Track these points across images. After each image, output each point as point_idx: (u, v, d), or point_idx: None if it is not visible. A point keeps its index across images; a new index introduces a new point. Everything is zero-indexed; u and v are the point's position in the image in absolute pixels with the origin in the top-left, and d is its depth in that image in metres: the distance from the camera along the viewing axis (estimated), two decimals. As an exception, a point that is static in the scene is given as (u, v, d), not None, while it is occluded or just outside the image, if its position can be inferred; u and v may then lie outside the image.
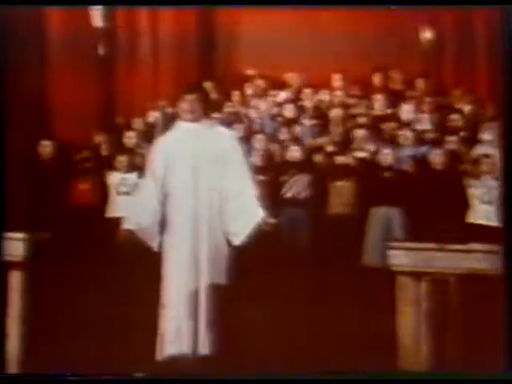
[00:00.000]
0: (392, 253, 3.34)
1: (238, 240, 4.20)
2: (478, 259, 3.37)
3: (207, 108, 4.32)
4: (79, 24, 8.04)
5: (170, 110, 7.36)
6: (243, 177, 4.20)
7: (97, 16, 8.24)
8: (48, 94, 7.86)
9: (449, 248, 3.38)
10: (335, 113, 7.25)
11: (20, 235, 3.72)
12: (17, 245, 3.56)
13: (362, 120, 6.92)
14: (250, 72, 8.14)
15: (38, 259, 3.77)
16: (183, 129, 4.22)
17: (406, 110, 7.19)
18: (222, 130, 4.36)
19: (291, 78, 8.00)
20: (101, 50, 8.34)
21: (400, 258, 3.34)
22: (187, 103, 4.14)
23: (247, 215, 4.16)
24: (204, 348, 4.21)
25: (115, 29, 8.43)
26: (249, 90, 7.88)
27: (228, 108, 7.48)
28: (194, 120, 4.16)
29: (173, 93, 7.56)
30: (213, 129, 4.29)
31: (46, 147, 6.76)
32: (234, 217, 4.18)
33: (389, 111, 7.20)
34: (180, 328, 4.23)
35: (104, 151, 7.00)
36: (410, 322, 3.39)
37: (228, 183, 4.16)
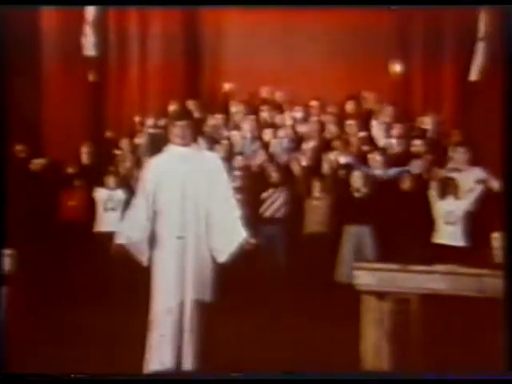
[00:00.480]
0: (357, 273, 3.50)
1: (222, 258, 4.36)
2: (439, 280, 3.53)
3: (195, 133, 4.56)
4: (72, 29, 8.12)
5: (155, 131, 7.42)
6: (228, 197, 4.38)
7: (88, 24, 8.27)
8: (39, 106, 7.92)
9: (411, 269, 3.54)
10: (310, 137, 7.39)
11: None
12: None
13: (335, 143, 7.01)
14: (231, 89, 8.18)
15: (24, 273, 3.84)
16: (174, 152, 4.41)
17: (377, 135, 7.37)
18: (209, 153, 4.63)
19: (269, 94, 8.13)
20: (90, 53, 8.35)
21: (364, 277, 3.51)
22: (178, 129, 4.33)
23: (231, 235, 4.32)
24: (187, 363, 4.34)
25: (106, 35, 8.48)
26: (233, 108, 7.97)
27: (209, 128, 7.57)
28: (184, 144, 4.35)
29: (159, 106, 7.84)
30: (201, 153, 4.51)
31: (38, 164, 6.84)
32: (218, 235, 4.33)
33: (360, 134, 7.32)
34: (164, 343, 4.34)
35: (91, 167, 7.08)
36: (373, 340, 3.55)
37: (213, 203, 4.33)
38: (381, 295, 3.55)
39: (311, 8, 6.93)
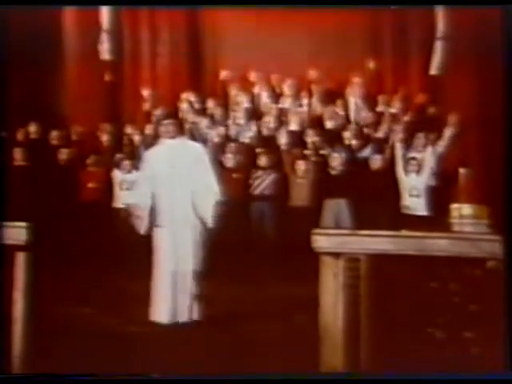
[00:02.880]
0: (316, 238, 3.71)
1: (208, 222, 4.93)
2: (384, 242, 3.72)
3: (181, 128, 5.31)
4: (89, 32, 8.34)
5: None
6: (208, 176, 4.96)
7: (104, 26, 8.48)
8: (65, 101, 8.17)
9: (360, 233, 3.74)
10: (295, 120, 7.63)
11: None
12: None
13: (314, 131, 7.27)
14: (227, 75, 8.32)
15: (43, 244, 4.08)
16: (164, 144, 5.11)
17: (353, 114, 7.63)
18: (192, 143, 5.30)
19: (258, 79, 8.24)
20: (106, 57, 8.56)
21: (322, 241, 3.71)
22: (164, 127, 5.09)
23: (211, 202, 4.93)
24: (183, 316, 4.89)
25: (119, 38, 8.67)
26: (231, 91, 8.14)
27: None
28: (171, 137, 5.03)
29: (166, 99, 8.10)
30: (185, 143, 5.17)
31: (63, 154, 7.08)
32: (202, 205, 4.92)
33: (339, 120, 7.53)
34: (164, 298, 4.89)
35: (108, 153, 7.40)
36: (331, 291, 3.74)
37: (197, 182, 4.92)
38: (336, 255, 3.75)
39: (304, 8, 7.02)
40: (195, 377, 3.53)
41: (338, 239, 3.77)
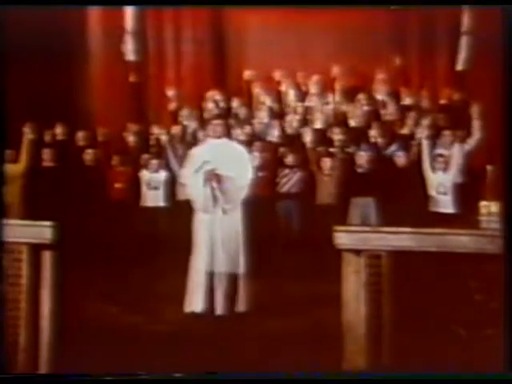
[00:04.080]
0: (337, 235, 3.76)
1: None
2: (405, 239, 3.76)
3: (227, 129, 5.71)
4: (114, 34, 8.52)
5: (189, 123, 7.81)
6: (244, 174, 5.35)
7: (128, 28, 8.68)
8: (92, 103, 8.36)
9: (381, 230, 3.79)
10: (321, 118, 7.75)
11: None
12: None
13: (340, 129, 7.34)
14: (252, 74, 8.44)
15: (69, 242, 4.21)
16: (209, 143, 5.50)
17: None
18: (235, 145, 5.65)
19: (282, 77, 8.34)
20: (131, 58, 8.74)
21: (343, 238, 3.76)
22: (213, 126, 5.43)
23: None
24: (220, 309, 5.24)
25: (143, 39, 8.85)
26: (255, 90, 8.27)
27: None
28: (217, 137, 5.41)
29: (192, 98, 8.26)
30: (228, 144, 5.53)
31: (89, 154, 7.24)
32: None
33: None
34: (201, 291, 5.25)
35: (135, 152, 7.59)
36: (353, 288, 3.79)
37: (236, 176, 5.30)
38: (357, 252, 3.80)
39: (323, 8, 7.06)
40: (199, 376, 3.61)
41: (359, 236, 3.83)
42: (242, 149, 5.51)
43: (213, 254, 5.25)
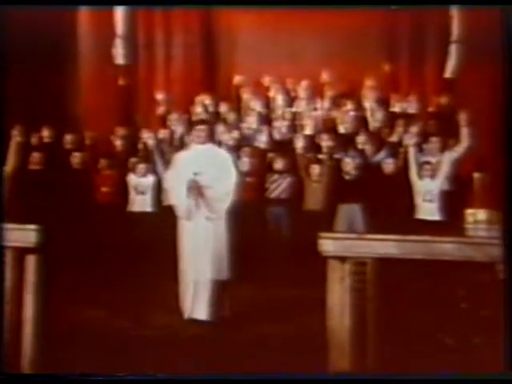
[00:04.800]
0: (322, 241, 3.79)
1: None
2: (389, 246, 3.79)
3: (212, 135, 5.78)
4: (103, 36, 8.52)
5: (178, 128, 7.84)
6: (228, 181, 5.39)
7: (118, 31, 8.69)
8: (79, 105, 8.34)
9: (367, 237, 3.82)
10: (310, 124, 7.82)
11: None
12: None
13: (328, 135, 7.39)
14: (241, 80, 8.46)
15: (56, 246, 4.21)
16: (193, 149, 5.53)
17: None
18: (219, 150, 5.69)
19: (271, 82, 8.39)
20: (120, 61, 8.76)
21: (328, 245, 3.79)
22: (197, 132, 5.45)
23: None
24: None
25: (133, 42, 8.87)
26: (244, 95, 8.31)
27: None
28: (201, 143, 5.44)
29: (181, 103, 8.28)
30: (213, 149, 5.56)
31: (76, 158, 7.23)
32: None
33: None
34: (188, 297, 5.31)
35: (122, 156, 7.58)
36: (337, 295, 3.82)
37: (219, 183, 5.32)
38: (342, 259, 3.83)
39: (313, 11, 7.09)
40: (196, 377, 3.63)
41: (344, 243, 3.87)
42: (226, 154, 5.55)
43: (197, 261, 5.29)
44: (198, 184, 5.22)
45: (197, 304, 5.25)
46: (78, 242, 6.46)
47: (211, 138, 5.59)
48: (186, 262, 5.31)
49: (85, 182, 7.22)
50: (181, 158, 5.50)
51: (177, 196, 5.34)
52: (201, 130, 5.38)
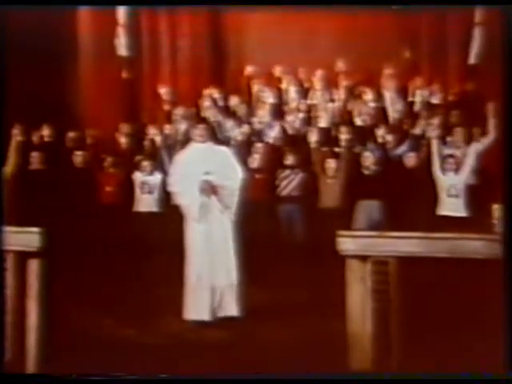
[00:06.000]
0: (341, 240, 3.78)
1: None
2: (412, 244, 3.77)
3: (212, 133, 5.89)
4: (105, 27, 8.52)
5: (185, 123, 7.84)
6: (236, 177, 5.49)
7: (120, 20, 8.69)
8: (80, 101, 8.36)
9: (388, 235, 3.80)
10: (325, 116, 7.81)
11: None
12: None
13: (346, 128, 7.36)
14: (253, 71, 8.47)
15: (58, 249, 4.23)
16: (194, 148, 5.64)
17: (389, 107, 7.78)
18: (219, 148, 5.75)
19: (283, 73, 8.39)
20: (123, 53, 8.78)
21: (348, 244, 3.77)
22: (198, 130, 5.59)
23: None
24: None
25: (137, 32, 8.87)
26: (255, 87, 8.32)
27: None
28: (202, 142, 5.57)
29: (188, 97, 8.29)
30: (212, 148, 5.66)
31: (79, 156, 7.25)
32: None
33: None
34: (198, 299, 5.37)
35: (127, 154, 7.61)
36: (358, 296, 3.81)
37: (230, 181, 5.45)
38: (362, 258, 3.82)
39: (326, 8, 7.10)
40: (196, 377, 3.66)
41: (364, 241, 3.86)
42: (227, 151, 5.68)
43: (208, 263, 5.35)
44: (211, 184, 5.33)
45: (207, 307, 5.32)
46: (82, 245, 6.49)
47: (212, 136, 5.77)
48: (198, 265, 5.35)
49: (88, 181, 7.26)
50: (183, 158, 5.62)
51: (187, 197, 5.41)
52: (202, 129, 5.55)
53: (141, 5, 8.17)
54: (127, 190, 7.34)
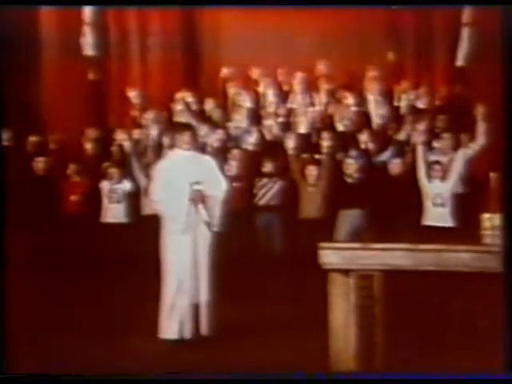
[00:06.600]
0: (323, 252, 3.77)
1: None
2: (398, 256, 3.78)
3: (196, 141, 5.84)
4: (70, 24, 8.44)
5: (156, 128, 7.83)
6: (221, 187, 5.52)
7: (87, 18, 8.62)
8: (41, 104, 8.28)
9: (373, 247, 3.80)
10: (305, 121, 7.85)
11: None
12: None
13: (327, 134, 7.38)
14: (229, 73, 8.49)
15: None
16: (178, 155, 5.57)
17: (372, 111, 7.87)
18: (204, 157, 5.78)
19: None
20: (89, 52, 8.72)
21: (330, 256, 3.77)
22: (186, 137, 5.52)
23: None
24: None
25: (104, 30, 8.83)
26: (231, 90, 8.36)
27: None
28: (187, 149, 5.53)
29: (159, 100, 8.26)
30: (197, 156, 5.65)
31: (40, 162, 7.17)
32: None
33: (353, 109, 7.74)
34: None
35: (94, 161, 7.57)
36: (341, 312, 3.80)
37: (211, 191, 5.45)
38: (346, 272, 3.82)
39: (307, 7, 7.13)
40: (196, 377, 3.66)
41: (347, 254, 3.85)
42: (211, 160, 5.69)
43: (191, 276, 5.31)
44: (202, 193, 5.35)
45: (180, 324, 5.25)
46: (44, 259, 6.42)
47: (195, 143, 5.70)
48: (179, 279, 5.30)
49: (51, 190, 7.20)
50: (167, 165, 5.59)
51: (172, 207, 5.37)
52: (189, 136, 5.53)
53: (108, 5, 8.14)
54: (94, 199, 7.31)
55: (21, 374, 3.98)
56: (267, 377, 3.84)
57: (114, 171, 7.29)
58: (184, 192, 5.35)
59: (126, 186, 7.26)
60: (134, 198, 7.27)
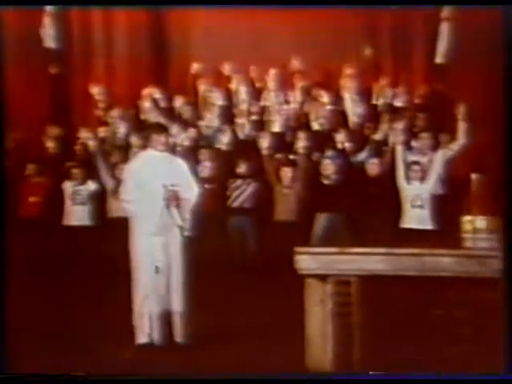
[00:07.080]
0: (299, 257, 3.80)
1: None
2: (376, 261, 3.83)
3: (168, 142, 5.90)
4: (30, 14, 8.35)
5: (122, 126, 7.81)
6: (194, 190, 5.60)
7: (49, 16, 8.54)
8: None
9: (350, 251, 3.84)
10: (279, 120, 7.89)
11: None
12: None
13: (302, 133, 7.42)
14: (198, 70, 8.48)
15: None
16: (150, 155, 5.64)
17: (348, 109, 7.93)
18: (178, 159, 5.83)
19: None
20: (51, 45, 8.61)
21: (306, 261, 3.80)
22: (162, 138, 5.61)
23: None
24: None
25: (67, 22, 8.72)
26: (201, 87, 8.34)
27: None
28: (161, 150, 5.60)
29: (125, 96, 8.22)
30: (170, 158, 5.71)
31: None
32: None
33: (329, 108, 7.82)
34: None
35: (56, 161, 7.53)
36: (318, 319, 3.83)
37: (185, 193, 5.52)
38: (322, 277, 3.85)
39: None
40: (196, 377, 3.67)
41: (324, 259, 3.89)
42: (183, 162, 5.73)
43: (163, 280, 5.35)
44: (177, 194, 5.40)
45: (151, 329, 5.31)
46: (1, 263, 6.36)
47: (168, 144, 5.80)
48: (150, 283, 5.33)
49: (7, 191, 7.12)
50: (138, 165, 5.64)
51: (144, 208, 5.40)
52: (165, 137, 5.63)
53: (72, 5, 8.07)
54: (55, 201, 7.27)
55: (21, 374, 4.10)
56: (267, 377, 3.96)
57: (77, 171, 7.27)
58: (157, 193, 5.39)
59: (91, 186, 7.25)
60: (99, 200, 7.28)
